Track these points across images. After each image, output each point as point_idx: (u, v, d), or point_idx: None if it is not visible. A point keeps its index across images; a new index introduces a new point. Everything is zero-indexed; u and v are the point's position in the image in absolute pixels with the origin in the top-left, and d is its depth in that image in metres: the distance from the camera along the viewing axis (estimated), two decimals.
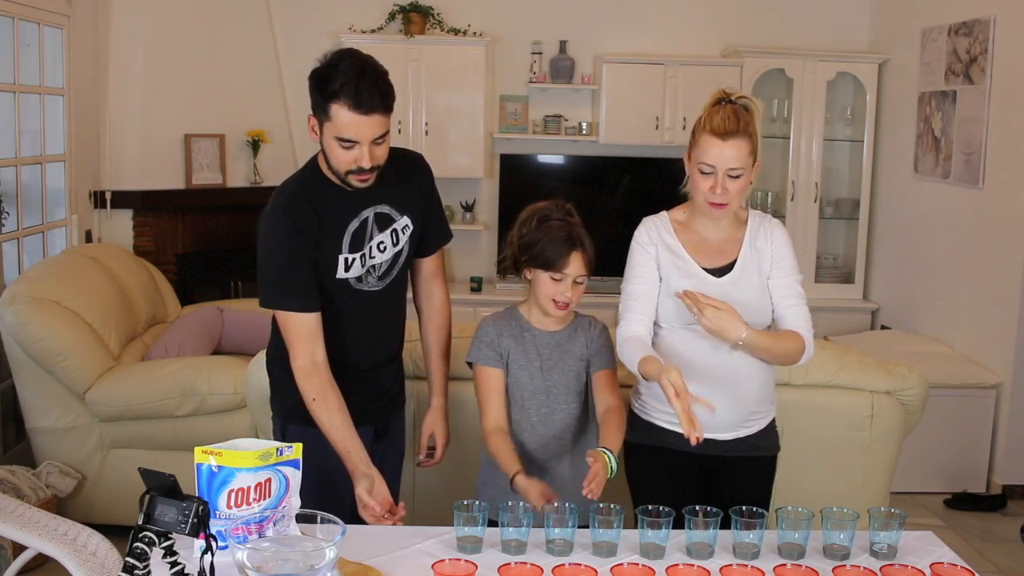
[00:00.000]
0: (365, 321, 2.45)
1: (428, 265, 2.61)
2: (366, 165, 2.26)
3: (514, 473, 2.34)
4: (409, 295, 2.60)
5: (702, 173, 2.36)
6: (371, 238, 2.38)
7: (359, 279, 2.40)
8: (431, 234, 2.57)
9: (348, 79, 2.18)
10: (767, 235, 2.47)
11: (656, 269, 2.46)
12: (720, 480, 2.53)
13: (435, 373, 2.64)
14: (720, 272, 2.44)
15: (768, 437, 2.55)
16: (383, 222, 2.40)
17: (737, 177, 2.34)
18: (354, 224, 2.35)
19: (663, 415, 2.49)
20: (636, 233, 2.52)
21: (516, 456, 2.40)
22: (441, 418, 2.64)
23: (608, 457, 2.31)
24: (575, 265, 2.42)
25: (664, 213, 2.54)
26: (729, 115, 2.34)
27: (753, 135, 2.35)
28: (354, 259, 2.37)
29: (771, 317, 2.46)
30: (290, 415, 2.47)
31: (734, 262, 2.45)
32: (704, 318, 2.25)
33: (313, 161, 2.39)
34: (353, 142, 2.22)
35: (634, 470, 2.58)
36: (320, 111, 2.24)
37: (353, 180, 2.29)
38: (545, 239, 2.43)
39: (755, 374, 2.45)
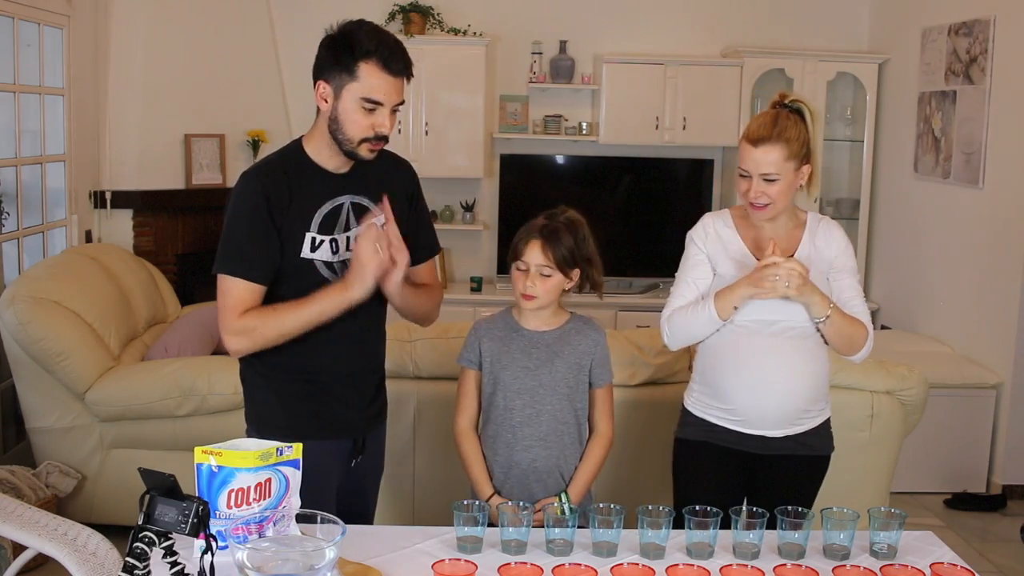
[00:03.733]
0: (341, 319, 2.31)
1: (420, 273, 2.49)
2: (385, 131, 2.22)
3: (488, 496, 2.47)
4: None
5: (741, 176, 2.47)
6: (347, 227, 2.31)
7: (331, 268, 2.30)
8: (417, 243, 2.44)
9: (381, 40, 2.19)
10: (826, 234, 2.54)
11: (708, 264, 2.54)
12: (766, 477, 2.56)
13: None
14: None
15: (820, 436, 2.57)
16: (361, 213, 2.33)
17: (772, 181, 2.42)
18: (327, 207, 2.29)
19: (714, 411, 2.55)
20: (693, 229, 2.59)
21: (487, 475, 2.52)
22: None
23: (560, 499, 2.45)
24: (533, 253, 2.44)
25: (727, 209, 2.62)
26: (767, 121, 2.43)
27: (791, 141, 2.41)
28: (323, 241, 2.28)
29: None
30: (263, 424, 2.37)
31: (792, 256, 2.46)
32: (801, 283, 2.33)
33: (296, 141, 2.35)
34: (377, 104, 2.19)
35: (682, 465, 2.63)
36: (344, 71, 2.19)
37: (365, 149, 2.24)
38: (520, 231, 2.48)
39: (808, 371, 2.49)
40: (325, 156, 2.30)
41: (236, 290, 2.24)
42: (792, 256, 2.43)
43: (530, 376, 2.50)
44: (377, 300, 2.40)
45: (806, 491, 2.54)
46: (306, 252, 2.27)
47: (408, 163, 2.51)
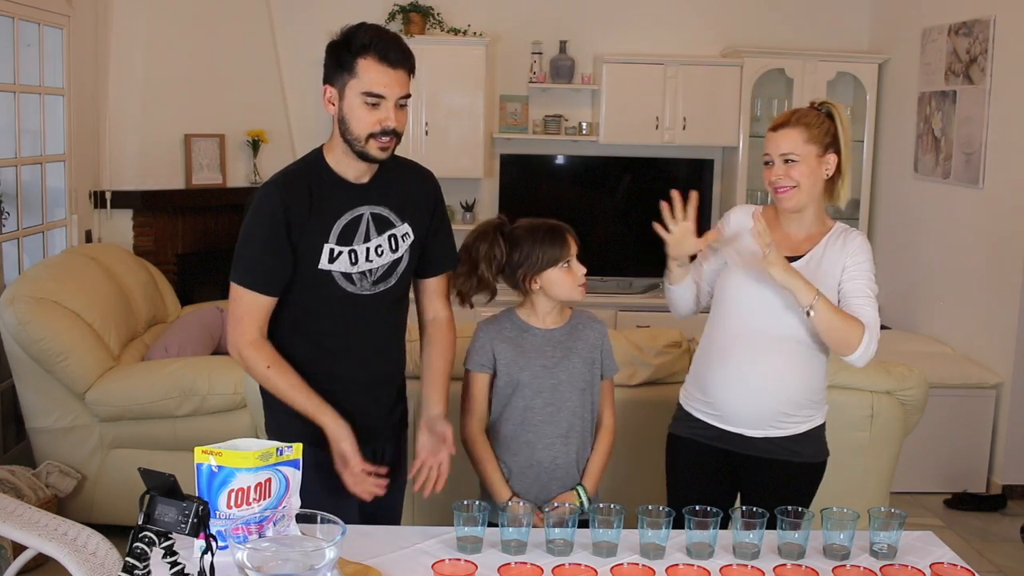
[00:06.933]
0: (360, 328, 2.35)
1: (432, 284, 2.51)
2: (391, 125, 2.20)
3: (507, 499, 2.44)
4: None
5: (765, 165, 2.52)
6: (367, 238, 2.30)
7: (349, 279, 2.30)
8: (436, 256, 2.47)
9: (375, 35, 2.22)
10: (844, 240, 2.51)
11: (715, 256, 2.60)
12: (753, 481, 2.55)
13: (433, 389, 2.44)
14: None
15: (808, 443, 2.54)
16: (381, 224, 2.33)
17: (793, 162, 2.44)
18: (346, 217, 2.28)
19: (697, 403, 2.58)
20: (729, 210, 2.67)
21: (503, 477, 2.51)
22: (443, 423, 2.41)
23: (578, 493, 2.48)
24: (574, 245, 2.51)
25: (760, 205, 2.65)
26: (787, 112, 2.52)
27: (810, 125, 2.45)
28: (340, 252, 2.27)
29: None
30: (283, 434, 2.27)
31: (802, 256, 2.49)
32: (772, 259, 2.35)
33: (317, 150, 2.34)
34: (380, 97, 2.19)
35: (672, 460, 2.66)
36: (344, 70, 2.21)
37: (374, 147, 2.22)
38: (535, 245, 2.47)
39: (793, 374, 2.48)
40: (344, 165, 2.29)
41: (246, 301, 2.29)
42: (805, 255, 2.48)
43: (549, 374, 2.50)
44: (396, 310, 2.42)
45: (796, 498, 2.42)
46: (323, 264, 2.27)
47: (432, 175, 2.51)
